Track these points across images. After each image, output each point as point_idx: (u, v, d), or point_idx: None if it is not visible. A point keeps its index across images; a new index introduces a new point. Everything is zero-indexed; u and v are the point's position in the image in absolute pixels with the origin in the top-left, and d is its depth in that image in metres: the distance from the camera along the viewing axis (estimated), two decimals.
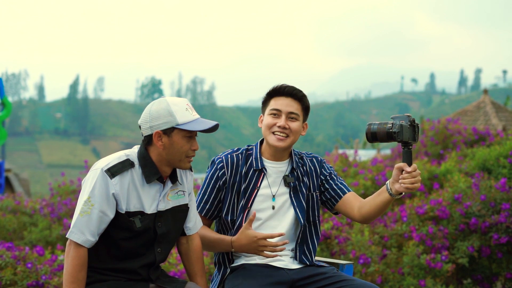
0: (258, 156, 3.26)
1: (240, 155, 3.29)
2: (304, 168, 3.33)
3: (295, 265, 3.21)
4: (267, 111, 3.24)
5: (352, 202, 3.26)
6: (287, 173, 3.27)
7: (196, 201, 3.27)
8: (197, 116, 2.94)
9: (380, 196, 3.08)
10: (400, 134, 2.87)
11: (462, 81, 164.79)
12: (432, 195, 6.18)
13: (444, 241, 5.51)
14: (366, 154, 19.86)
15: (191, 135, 2.92)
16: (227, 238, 3.15)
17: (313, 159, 3.38)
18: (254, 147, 3.32)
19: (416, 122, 2.94)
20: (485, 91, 17.60)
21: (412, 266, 5.27)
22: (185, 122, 2.88)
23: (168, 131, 2.88)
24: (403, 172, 2.93)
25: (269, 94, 3.26)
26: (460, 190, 5.90)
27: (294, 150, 3.35)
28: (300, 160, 3.34)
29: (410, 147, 2.93)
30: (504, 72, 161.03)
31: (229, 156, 3.28)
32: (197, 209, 3.25)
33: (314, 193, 3.31)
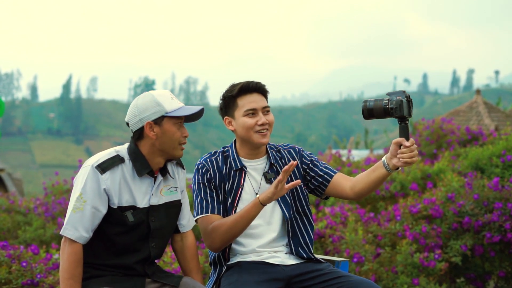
0: (236, 156, 3.26)
1: (218, 157, 3.29)
2: (283, 161, 3.32)
3: (292, 261, 3.20)
4: (241, 112, 3.19)
5: (342, 182, 3.27)
6: (266, 170, 3.28)
7: (198, 207, 3.19)
8: (182, 104, 3.02)
9: (375, 172, 3.11)
10: (398, 109, 2.91)
11: (455, 81, 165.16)
12: (426, 194, 6.21)
13: (437, 240, 5.53)
14: (359, 154, 19.91)
15: (180, 121, 2.98)
16: (251, 203, 3.04)
17: (291, 150, 3.37)
18: (229, 148, 3.32)
19: (410, 97, 2.97)
20: (478, 92, 17.66)
21: (406, 265, 5.30)
22: (173, 109, 2.96)
23: (159, 120, 2.94)
24: (401, 147, 2.97)
25: (233, 95, 3.20)
26: (453, 189, 5.93)
27: (269, 144, 3.35)
28: (277, 153, 3.34)
29: (407, 122, 2.98)
30: (496, 72, 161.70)
31: (208, 159, 3.28)
32: (207, 212, 3.15)
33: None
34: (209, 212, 3.16)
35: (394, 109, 2.92)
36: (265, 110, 3.22)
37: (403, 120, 2.95)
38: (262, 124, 3.18)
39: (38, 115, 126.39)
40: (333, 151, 11.95)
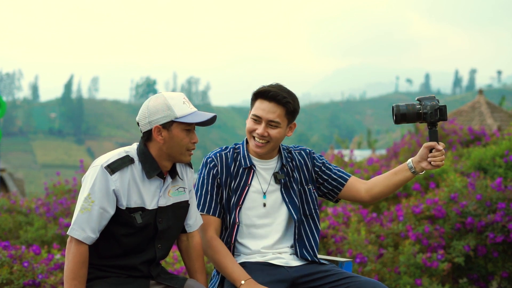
0: (246, 154, 3.24)
1: (228, 153, 3.27)
2: (294, 162, 3.30)
3: (296, 262, 3.18)
4: (251, 113, 3.19)
5: (357, 185, 3.30)
6: (277, 170, 3.26)
7: (200, 203, 3.20)
8: (195, 109, 2.95)
9: (398, 176, 3.17)
10: (433, 114, 3.01)
11: (457, 81, 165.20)
12: (428, 194, 6.20)
13: (440, 240, 5.52)
14: (361, 154, 19.91)
15: (190, 128, 2.92)
16: (242, 274, 3.02)
17: (302, 152, 3.35)
18: (241, 145, 3.30)
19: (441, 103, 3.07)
20: (480, 92, 17.65)
21: (408, 265, 5.29)
22: (184, 115, 2.89)
23: (167, 125, 2.88)
24: (433, 151, 3.06)
25: (255, 94, 3.19)
26: (456, 190, 5.92)
27: (282, 145, 3.32)
28: (288, 154, 3.32)
29: (436, 126, 3.07)
30: (499, 72, 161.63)
31: (218, 154, 3.26)
32: (207, 211, 3.17)
33: (306, 186, 3.29)
34: (210, 213, 3.18)
35: (428, 114, 3.02)
36: (271, 123, 3.12)
37: (434, 125, 3.06)
38: (259, 135, 3.14)
39: (39, 115, 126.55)
40: (335, 151, 11.93)
